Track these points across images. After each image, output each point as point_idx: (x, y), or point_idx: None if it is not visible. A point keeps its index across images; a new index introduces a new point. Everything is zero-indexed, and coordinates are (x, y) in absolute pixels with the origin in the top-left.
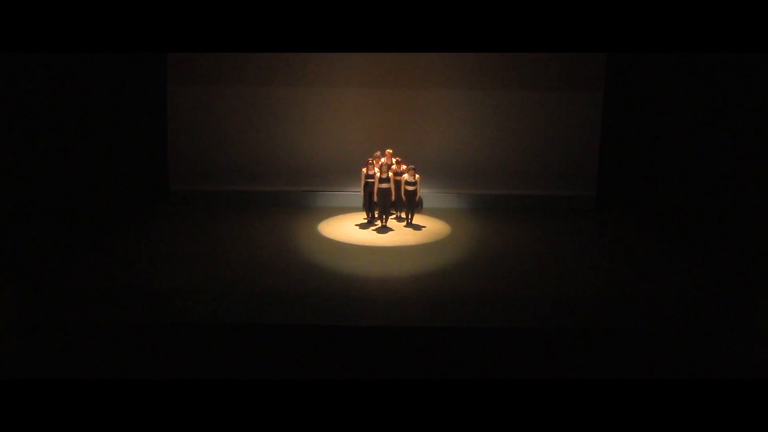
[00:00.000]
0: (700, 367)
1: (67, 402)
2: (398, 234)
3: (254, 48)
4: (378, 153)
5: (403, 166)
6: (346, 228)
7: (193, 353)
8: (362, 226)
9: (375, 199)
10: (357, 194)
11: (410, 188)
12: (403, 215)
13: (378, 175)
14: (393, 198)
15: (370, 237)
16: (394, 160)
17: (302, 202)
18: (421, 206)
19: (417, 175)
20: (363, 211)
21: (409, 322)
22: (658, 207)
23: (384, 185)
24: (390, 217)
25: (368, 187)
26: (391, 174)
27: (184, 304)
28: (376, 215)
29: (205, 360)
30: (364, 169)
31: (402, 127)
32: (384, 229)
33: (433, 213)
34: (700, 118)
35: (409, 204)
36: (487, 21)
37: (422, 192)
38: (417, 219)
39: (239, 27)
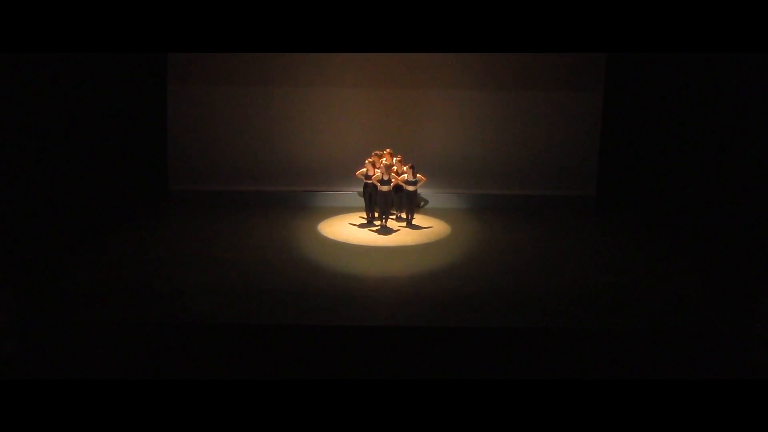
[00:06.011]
0: (700, 367)
1: (67, 402)
2: (398, 234)
3: (254, 48)
4: (378, 152)
5: (404, 167)
6: (346, 228)
7: (193, 353)
8: (361, 226)
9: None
10: (357, 194)
11: (410, 188)
12: (404, 215)
13: (378, 175)
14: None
15: (370, 237)
16: (394, 159)
17: (302, 202)
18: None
19: (418, 174)
20: (363, 210)
21: (409, 322)
22: (658, 207)
23: (384, 187)
24: (390, 217)
25: (367, 188)
26: (394, 174)
27: (184, 304)
28: (377, 215)
29: (205, 360)
30: (363, 170)
31: (402, 127)
32: (384, 229)
33: (433, 213)
34: (700, 117)
35: (409, 204)
36: (488, 21)
37: (422, 192)
38: (417, 219)
39: (239, 27)
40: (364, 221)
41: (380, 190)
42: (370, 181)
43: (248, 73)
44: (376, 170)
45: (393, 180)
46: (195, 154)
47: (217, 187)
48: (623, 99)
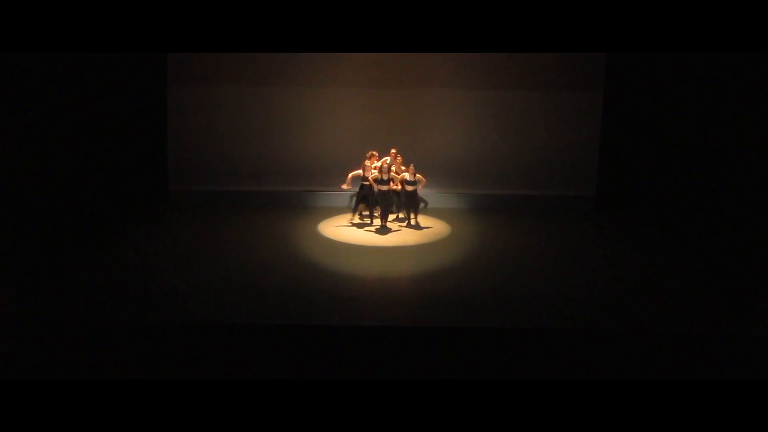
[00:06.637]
0: (700, 367)
1: (67, 402)
2: (398, 234)
3: (254, 48)
4: (375, 153)
5: (402, 167)
6: (346, 228)
7: (193, 353)
8: (358, 226)
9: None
10: (351, 197)
11: (410, 188)
12: (402, 215)
13: (376, 175)
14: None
15: (370, 237)
16: (398, 159)
17: (302, 202)
18: (426, 204)
19: (418, 175)
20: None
21: (409, 322)
22: (658, 207)
23: (384, 187)
24: (390, 217)
25: (363, 190)
26: (393, 173)
27: (184, 304)
28: (363, 213)
29: (205, 360)
30: (359, 171)
31: (402, 127)
32: (384, 229)
33: (433, 213)
34: (700, 117)
35: (410, 204)
36: (488, 21)
37: (422, 192)
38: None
39: (239, 27)
40: (351, 223)
41: (379, 190)
42: (367, 183)
43: (248, 73)
44: (372, 170)
45: (392, 182)
46: (195, 154)
47: (217, 187)
48: (623, 99)
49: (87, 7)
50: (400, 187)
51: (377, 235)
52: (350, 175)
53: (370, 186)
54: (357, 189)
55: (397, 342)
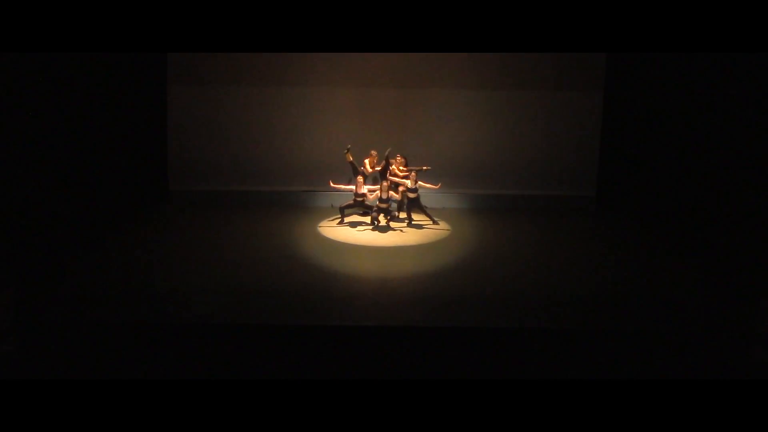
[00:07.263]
0: (700, 367)
1: (67, 402)
2: (398, 234)
3: (254, 48)
4: (374, 152)
5: (401, 168)
6: (346, 228)
7: (193, 353)
8: (353, 225)
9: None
10: (331, 206)
11: (412, 195)
12: (403, 215)
13: (377, 195)
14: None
15: (370, 237)
16: (398, 159)
17: (302, 202)
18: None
19: (420, 182)
20: (360, 213)
21: (409, 322)
22: (658, 207)
23: (383, 205)
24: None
25: (358, 204)
26: (396, 179)
27: (184, 304)
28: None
29: (205, 360)
30: (351, 186)
31: (402, 127)
32: (384, 229)
33: (433, 213)
34: (700, 118)
35: (412, 209)
36: (487, 21)
37: (422, 192)
38: (416, 218)
39: (239, 27)
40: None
41: (379, 207)
42: (360, 199)
43: (249, 73)
44: (365, 186)
45: (393, 194)
46: (195, 154)
47: (217, 187)
48: (623, 99)
49: (87, 7)
50: (400, 197)
51: (377, 234)
52: (341, 187)
53: (363, 202)
54: (344, 194)
55: (397, 342)
